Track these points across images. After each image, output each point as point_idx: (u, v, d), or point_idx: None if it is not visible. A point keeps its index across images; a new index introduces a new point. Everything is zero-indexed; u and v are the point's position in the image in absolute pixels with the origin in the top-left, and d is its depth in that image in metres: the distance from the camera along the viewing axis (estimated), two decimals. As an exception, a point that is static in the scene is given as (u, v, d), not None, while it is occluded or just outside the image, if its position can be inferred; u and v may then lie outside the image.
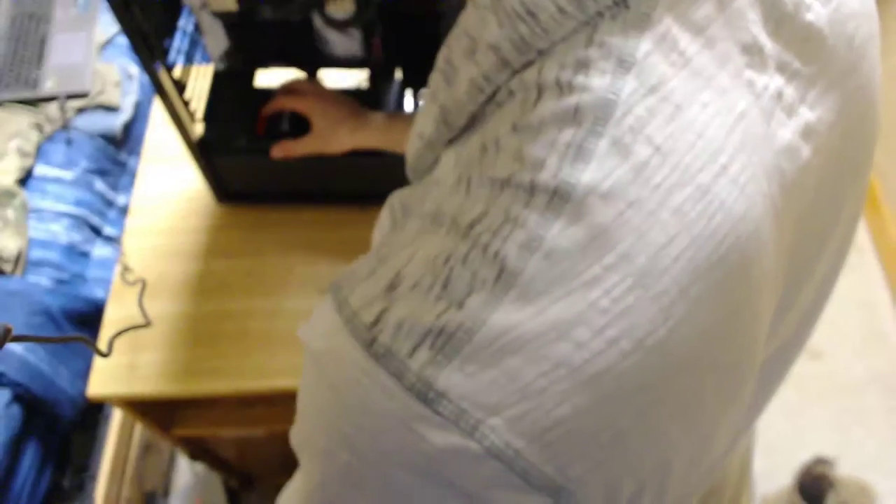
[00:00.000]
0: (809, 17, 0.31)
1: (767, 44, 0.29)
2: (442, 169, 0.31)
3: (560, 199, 0.24)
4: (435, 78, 0.33)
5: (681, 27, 0.27)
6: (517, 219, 0.25)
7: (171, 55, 0.72)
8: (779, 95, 0.30)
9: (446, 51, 0.32)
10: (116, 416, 1.18)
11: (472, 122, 0.31)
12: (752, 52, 0.29)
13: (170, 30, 0.73)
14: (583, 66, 0.26)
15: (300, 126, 0.80)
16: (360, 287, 0.27)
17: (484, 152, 0.28)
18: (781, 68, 0.30)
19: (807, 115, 0.31)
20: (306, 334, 0.29)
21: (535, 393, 0.23)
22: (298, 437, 0.29)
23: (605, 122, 0.25)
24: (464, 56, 0.31)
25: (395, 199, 0.32)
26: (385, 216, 0.33)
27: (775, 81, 0.30)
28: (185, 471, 1.47)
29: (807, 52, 0.31)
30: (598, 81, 0.26)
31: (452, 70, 0.31)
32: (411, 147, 0.35)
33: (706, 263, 0.25)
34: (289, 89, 0.82)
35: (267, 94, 0.83)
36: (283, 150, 0.80)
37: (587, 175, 0.24)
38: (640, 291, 0.24)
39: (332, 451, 0.26)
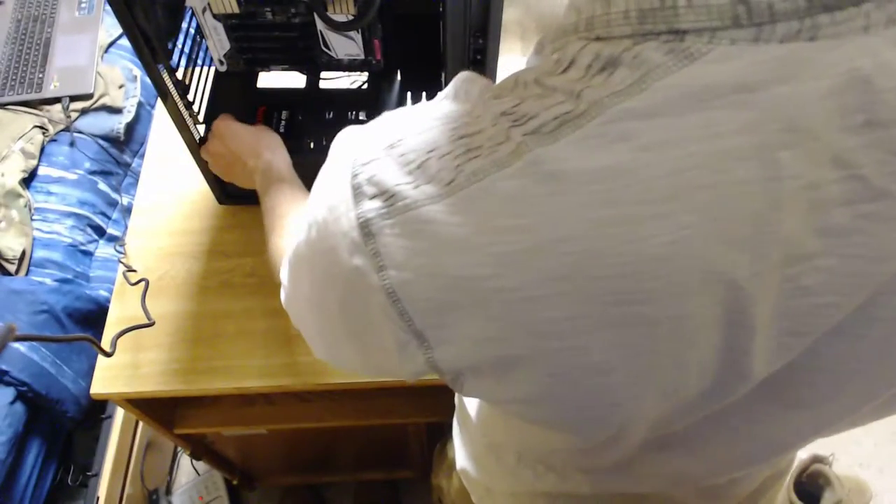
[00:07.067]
0: None
1: (835, 135, 0.26)
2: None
3: (515, 155, 0.29)
4: None
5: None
6: (486, 149, 0.30)
7: (174, 57, 0.73)
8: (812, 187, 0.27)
9: None
10: (119, 415, 1.18)
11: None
12: (797, 130, 0.26)
13: (172, 32, 0.73)
14: (611, 64, 0.28)
15: (296, 126, 0.80)
16: (380, 133, 0.34)
17: (514, 87, 0.32)
18: (841, 164, 0.27)
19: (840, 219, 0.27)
20: (344, 135, 0.39)
21: (426, 274, 0.31)
22: (309, 199, 0.39)
23: (594, 118, 0.27)
24: None
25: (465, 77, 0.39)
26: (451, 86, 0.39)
27: (818, 173, 0.27)
28: (188, 469, 1.48)
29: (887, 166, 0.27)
30: (619, 76, 0.28)
31: None
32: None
33: (586, 279, 0.29)
34: None
35: (268, 95, 0.84)
36: None
37: (548, 151, 0.28)
38: (528, 256, 0.29)
39: (311, 220, 0.37)
